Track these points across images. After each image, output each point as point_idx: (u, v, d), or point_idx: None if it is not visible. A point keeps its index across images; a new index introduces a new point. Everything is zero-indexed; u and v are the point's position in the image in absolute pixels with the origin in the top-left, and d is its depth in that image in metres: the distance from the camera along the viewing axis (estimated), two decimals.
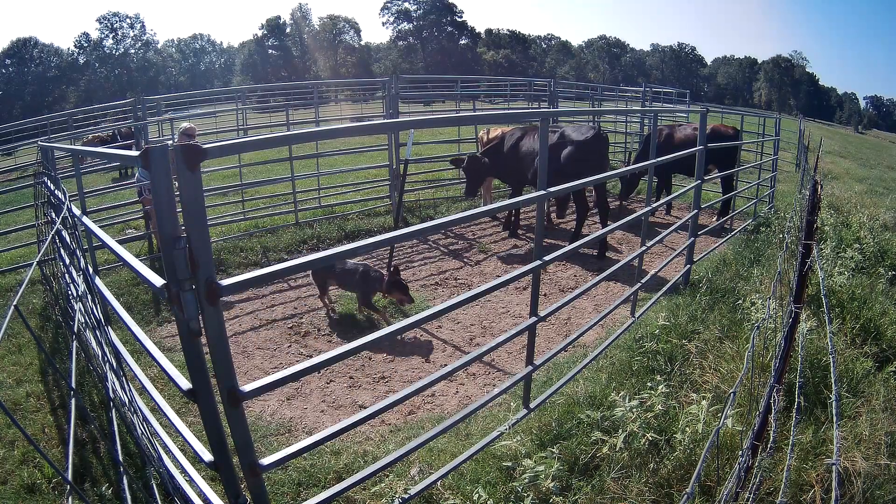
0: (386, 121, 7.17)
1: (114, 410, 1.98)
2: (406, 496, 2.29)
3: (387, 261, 5.17)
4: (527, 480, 2.28)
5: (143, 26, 57.90)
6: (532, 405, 2.95)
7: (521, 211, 7.13)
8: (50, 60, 48.14)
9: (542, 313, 2.82)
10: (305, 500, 2.08)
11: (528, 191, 7.01)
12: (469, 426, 2.95)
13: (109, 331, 2.45)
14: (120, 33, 52.43)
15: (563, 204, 7.38)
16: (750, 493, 1.67)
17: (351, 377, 3.72)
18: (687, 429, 2.42)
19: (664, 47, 65.27)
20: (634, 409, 2.54)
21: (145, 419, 2.20)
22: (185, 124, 5.60)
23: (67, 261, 2.91)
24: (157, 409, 2.22)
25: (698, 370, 3.17)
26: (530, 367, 2.87)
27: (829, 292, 3.82)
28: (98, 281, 2.64)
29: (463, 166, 6.66)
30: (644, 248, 4.00)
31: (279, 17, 57.69)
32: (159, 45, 55.06)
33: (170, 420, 1.91)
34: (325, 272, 4.51)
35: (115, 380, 2.12)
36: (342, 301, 4.89)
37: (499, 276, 2.71)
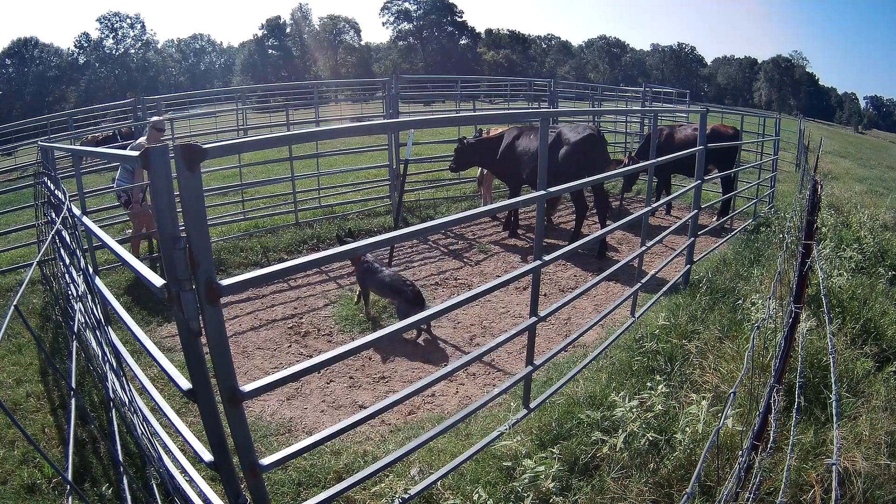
0: (386, 121, 7.17)
1: (114, 410, 1.98)
2: (406, 496, 2.29)
3: (386, 260, 5.18)
4: (527, 480, 2.28)
5: (143, 26, 57.94)
6: (532, 405, 2.95)
7: (521, 211, 7.13)
8: (50, 60, 48.12)
9: (542, 313, 2.82)
10: (305, 500, 2.08)
11: (526, 190, 7.02)
12: (469, 426, 2.95)
13: (109, 331, 2.46)
14: (120, 33, 52.45)
15: (553, 203, 7.39)
16: (750, 493, 1.67)
17: (351, 377, 3.71)
18: (687, 429, 2.42)
19: (664, 47, 65.28)
20: (634, 409, 2.54)
21: (145, 419, 2.20)
22: (155, 118, 5.51)
23: (67, 261, 2.91)
24: (157, 409, 2.22)
25: (698, 370, 3.17)
26: (530, 367, 2.87)
27: (829, 292, 3.82)
28: (98, 281, 2.64)
29: (457, 147, 7.04)
30: (644, 248, 4.00)
31: (279, 18, 57.72)
32: (159, 46, 55.08)
33: (170, 420, 1.91)
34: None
35: (115, 380, 2.12)
36: (342, 301, 4.89)
37: (499, 276, 2.71)
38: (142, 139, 5.46)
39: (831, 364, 1.76)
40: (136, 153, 1.39)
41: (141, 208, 5.41)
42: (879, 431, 2.44)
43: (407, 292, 4.12)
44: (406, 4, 62.13)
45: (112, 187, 5.42)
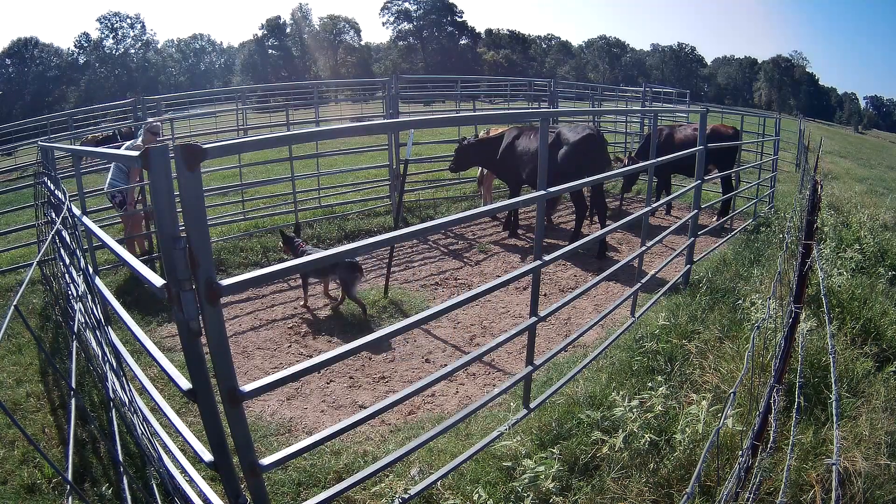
0: (386, 121, 7.17)
1: (114, 410, 1.98)
2: (406, 496, 2.29)
3: (387, 260, 5.18)
4: (527, 480, 2.28)
5: (143, 26, 57.89)
6: (532, 405, 2.95)
7: (521, 211, 7.13)
8: (50, 60, 48.12)
9: (542, 313, 2.82)
10: (305, 500, 2.08)
11: (526, 190, 7.02)
12: (469, 426, 2.95)
13: (109, 331, 2.46)
14: (120, 33, 52.46)
15: (552, 203, 7.39)
16: (750, 493, 1.67)
17: (351, 377, 3.71)
18: (687, 429, 2.42)
19: (664, 47, 65.28)
20: (634, 410, 2.54)
21: (145, 419, 2.20)
22: (150, 121, 5.53)
23: (67, 261, 2.91)
24: (157, 409, 2.22)
25: (698, 370, 3.17)
26: (530, 367, 2.87)
27: (829, 292, 3.82)
28: (98, 281, 2.64)
29: (457, 147, 7.12)
30: (644, 248, 4.00)
31: (279, 17, 57.72)
32: (159, 46, 55.07)
33: (170, 420, 1.91)
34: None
35: (115, 380, 2.12)
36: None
37: (499, 276, 2.71)
38: (137, 142, 5.45)
39: (831, 364, 1.76)
40: (135, 153, 1.39)
41: (134, 210, 5.41)
42: (879, 431, 2.44)
43: (343, 263, 4.33)
44: (406, 4, 62.16)
45: (105, 189, 5.41)
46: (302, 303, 4.79)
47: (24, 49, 46.70)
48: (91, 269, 2.74)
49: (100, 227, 2.87)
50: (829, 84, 66.94)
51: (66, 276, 3.10)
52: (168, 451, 2.17)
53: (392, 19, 62.75)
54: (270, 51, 57.32)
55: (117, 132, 12.20)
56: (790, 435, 1.72)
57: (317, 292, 5.18)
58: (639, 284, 4.04)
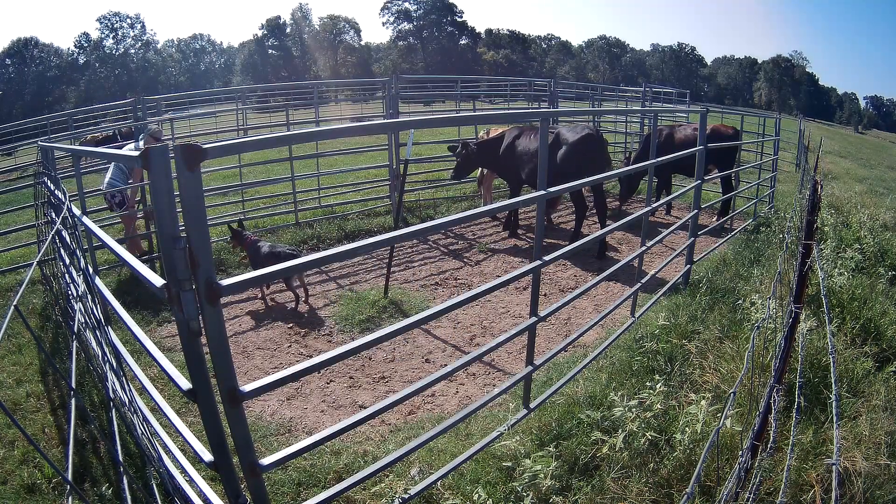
0: (386, 121, 7.17)
1: (114, 410, 1.98)
2: (406, 496, 2.29)
3: (387, 260, 5.18)
4: (526, 480, 2.28)
5: (143, 26, 57.97)
6: (532, 405, 2.95)
7: (521, 211, 7.13)
8: (50, 60, 48.15)
9: (542, 313, 2.82)
10: (305, 500, 2.08)
11: (526, 190, 7.02)
12: (469, 426, 2.95)
13: (109, 331, 2.46)
14: (120, 33, 52.51)
15: (551, 203, 7.39)
16: (750, 493, 1.67)
17: (351, 377, 3.71)
18: (687, 429, 2.42)
19: (664, 47, 65.32)
20: (634, 409, 2.54)
21: (145, 419, 2.20)
22: (152, 127, 5.55)
23: (67, 261, 2.91)
24: (157, 409, 2.22)
25: (698, 370, 3.17)
26: (530, 367, 2.87)
27: (829, 292, 3.82)
28: (98, 281, 2.64)
29: (457, 152, 7.01)
30: (644, 248, 3.99)
31: (279, 17, 57.78)
32: (159, 46, 55.14)
33: (170, 420, 1.91)
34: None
35: (115, 380, 2.12)
36: (342, 301, 4.89)
37: (499, 276, 2.71)
38: (139, 145, 5.45)
39: (831, 364, 1.76)
40: (135, 153, 1.39)
41: (135, 210, 5.42)
42: (879, 431, 2.44)
43: (283, 254, 4.57)
44: (406, 4, 62.19)
45: (102, 189, 5.40)
46: (293, 305, 4.81)
47: (24, 49, 46.71)
48: (91, 269, 2.74)
49: (100, 227, 2.87)
50: (829, 84, 67.12)
51: (66, 276, 3.10)
52: (168, 451, 2.17)
53: (392, 19, 62.82)
54: (270, 51, 57.35)
55: (117, 132, 12.20)
56: (790, 435, 1.72)
57: (316, 292, 5.19)
58: (639, 284, 4.04)
